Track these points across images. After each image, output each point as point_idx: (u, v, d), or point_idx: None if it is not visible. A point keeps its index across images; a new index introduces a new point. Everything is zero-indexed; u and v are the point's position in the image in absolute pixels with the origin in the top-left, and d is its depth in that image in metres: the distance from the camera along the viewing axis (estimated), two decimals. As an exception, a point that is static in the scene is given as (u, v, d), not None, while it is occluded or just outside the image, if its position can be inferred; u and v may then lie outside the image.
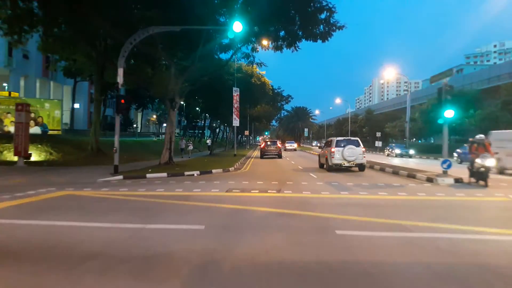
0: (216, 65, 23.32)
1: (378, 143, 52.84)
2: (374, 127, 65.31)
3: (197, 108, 57.59)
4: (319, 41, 19.95)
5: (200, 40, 17.93)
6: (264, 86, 35.01)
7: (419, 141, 60.62)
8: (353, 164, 17.66)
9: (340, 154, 17.44)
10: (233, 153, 33.71)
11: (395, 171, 16.98)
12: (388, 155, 39.22)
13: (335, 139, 18.86)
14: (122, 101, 14.99)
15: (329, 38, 20.02)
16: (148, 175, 14.86)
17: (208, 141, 36.57)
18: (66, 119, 48.11)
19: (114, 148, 15.12)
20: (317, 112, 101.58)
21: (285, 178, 14.51)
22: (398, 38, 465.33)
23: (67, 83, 48.31)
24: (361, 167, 18.02)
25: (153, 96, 21.66)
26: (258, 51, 24.02)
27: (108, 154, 24.57)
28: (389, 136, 62.66)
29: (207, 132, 70.13)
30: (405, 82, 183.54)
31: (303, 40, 20.95)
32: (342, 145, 17.71)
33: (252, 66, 22.45)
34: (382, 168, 18.62)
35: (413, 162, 27.04)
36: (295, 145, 55.41)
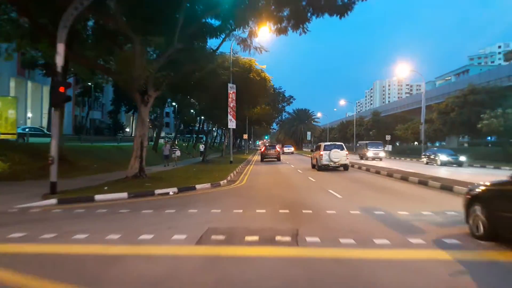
0: (204, 51, 18.70)
1: (388, 147, 48.16)
2: (382, 129, 60.60)
3: (192, 111, 53.10)
4: (333, 20, 15.54)
5: (179, 11, 13.38)
6: (264, 82, 30.41)
7: (431, 144, 55.86)
8: (338, 164, 20.79)
9: (327, 156, 20.50)
10: (229, 159, 29.03)
11: (445, 185, 12.38)
12: (427, 162, 29.88)
13: (323, 144, 22.08)
14: (61, 89, 10.40)
15: (349, 13, 15.56)
16: (97, 197, 10.23)
17: (201, 147, 31.89)
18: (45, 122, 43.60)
19: (50, 159, 10.48)
20: (319, 114, 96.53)
21: (297, 200, 9.85)
22: (398, 41, 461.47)
23: (48, 83, 43.38)
24: (345, 167, 21.14)
25: (121, 86, 16.99)
26: (257, 36, 19.60)
27: (74, 163, 20.03)
28: (400, 139, 58.08)
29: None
30: (407, 85, 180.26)
31: (314, 17, 16.47)
32: (329, 149, 20.83)
33: (249, 51, 17.78)
34: (423, 181, 13.98)
35: (467, 173, 19.49)
36: (292, 149, 63.62)
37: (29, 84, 42.58)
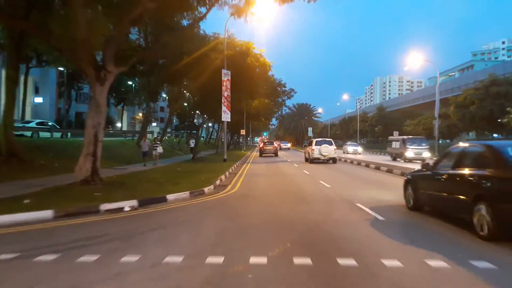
0: (189, 19, 14.82)
1: (396, 144, 44.29)
2: (389, 125, 56.89)
3: (185, 104, 49.19)
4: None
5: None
6: (264, 68, 26.48)
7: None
8: (327, 158, 23.17)
9: (318, 150, 23.00)
10: (223, 156, 25.12)
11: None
12: None
13: (314, 139, 25.27)
14: None
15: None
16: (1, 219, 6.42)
17: (191, 142, 28.07)
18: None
19: None
20: (320, 110, 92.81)
21: (320, 230, 6.06)
22: (398, 39, 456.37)
23: (31, 72, 39.05)
24: (334, 160, 23.62)
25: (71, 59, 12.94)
26: (254, 4, 15.85)
27: (29, 162, 16.06)
28: (409, 135, 54.24)
29: (203, 132, 61.54)
30: (408, 81, 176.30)
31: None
32: (319, 144, 23.49)
33: (245, 18, 13.90)
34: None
35: None
36: (288, 145, 65.76)
37: (3, 72, 38.49)
